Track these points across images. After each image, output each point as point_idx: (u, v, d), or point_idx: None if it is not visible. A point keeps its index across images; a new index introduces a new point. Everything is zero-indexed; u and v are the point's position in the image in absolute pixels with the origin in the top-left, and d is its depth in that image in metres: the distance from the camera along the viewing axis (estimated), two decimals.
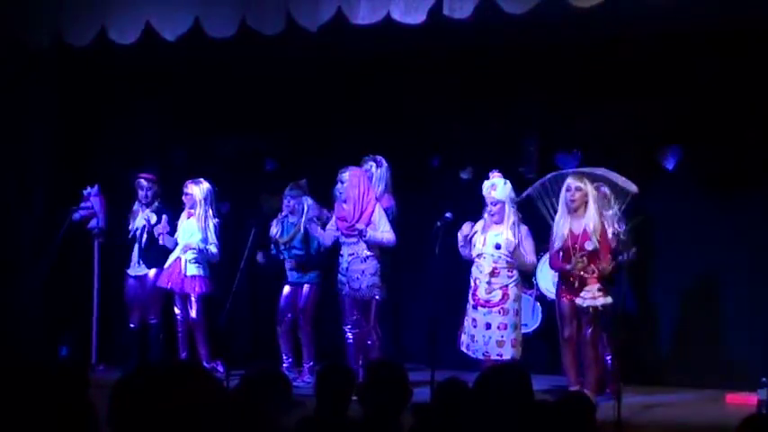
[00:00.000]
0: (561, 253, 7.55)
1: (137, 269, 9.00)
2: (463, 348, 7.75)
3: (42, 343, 9.01)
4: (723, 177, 8.56)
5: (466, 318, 7.77)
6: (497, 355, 7.61)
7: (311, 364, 8.45)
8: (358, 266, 8.00)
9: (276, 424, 4.08)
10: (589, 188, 7.50)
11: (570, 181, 7.54)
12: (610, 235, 7.66)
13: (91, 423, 3.74)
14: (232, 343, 8.62)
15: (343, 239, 8.10)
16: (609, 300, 7.45)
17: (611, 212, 7.81)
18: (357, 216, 7.99)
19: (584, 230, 7.46)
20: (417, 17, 7.27)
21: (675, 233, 8.66)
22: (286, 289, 8.58)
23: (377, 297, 8.02)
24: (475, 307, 7.72)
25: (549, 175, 7.88)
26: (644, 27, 7.97)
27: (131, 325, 9.02)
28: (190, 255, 8.75)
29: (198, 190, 8.78)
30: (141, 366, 2.89)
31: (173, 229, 8.85)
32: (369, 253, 8.00)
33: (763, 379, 7.17)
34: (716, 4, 7.37)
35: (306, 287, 8.51)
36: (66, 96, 9.36)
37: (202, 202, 8.78)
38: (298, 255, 8.48)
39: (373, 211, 8.01)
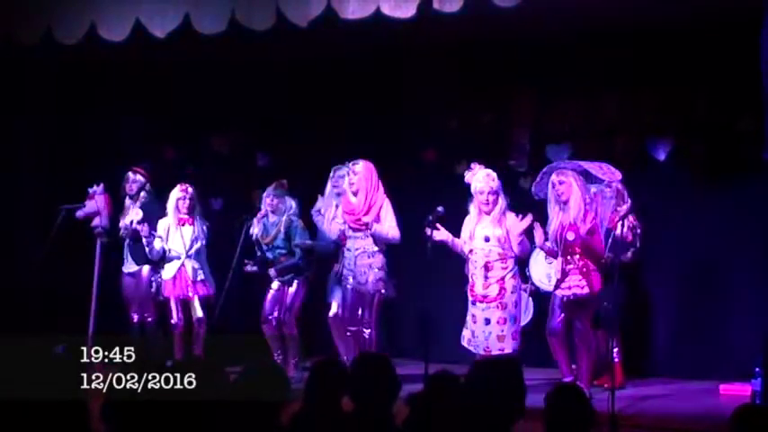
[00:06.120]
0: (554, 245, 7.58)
1: (130, 266, 8.97)
2: (464, 343, 7.72)
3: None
4: (715, 167, 8.56)
5: (467, 313, 7.76)
6: (499, 350, 7.59)
7: (296, 360, 8.43)
8: (365, 261, 7.99)
9: (273, 416, 4.08)
10: (572, 179, 7.51)
11: (554, 177, 7.55)
12: (626, 228, 7.67)
13: (83, 417, 3.73)
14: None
15: (349, 233, 8.05)
16: (585, 290, 7.45)
17: (625, 207, 7.84)
18: (365, 209, 7.95)
19: (569, 222, 7.47)
20: (407, 11, 7.27)
21: (668, 224, 8.66)
22: (275, 285, 8.52)
23: (381, 291, 8.01)
24: (473, 303, 7.69)
25: (543, 170, 7.90)
26: (635, 19, 7.97)
27: (134, 320, 8.98)
28: (195, 262, 8.72)
29: (194, 194, 8.73)
30: (137, 362, 2.90)
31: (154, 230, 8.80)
32: (376, 248, 7.99)
33: (757, 370, 7.18)
34: None
35: (295, 283, 8.47)
36: (55, 93, 9.34)
37: (197, 207, 8.76)
38: (282, 254, 8.45)
39: (382, 206, 7.98)
